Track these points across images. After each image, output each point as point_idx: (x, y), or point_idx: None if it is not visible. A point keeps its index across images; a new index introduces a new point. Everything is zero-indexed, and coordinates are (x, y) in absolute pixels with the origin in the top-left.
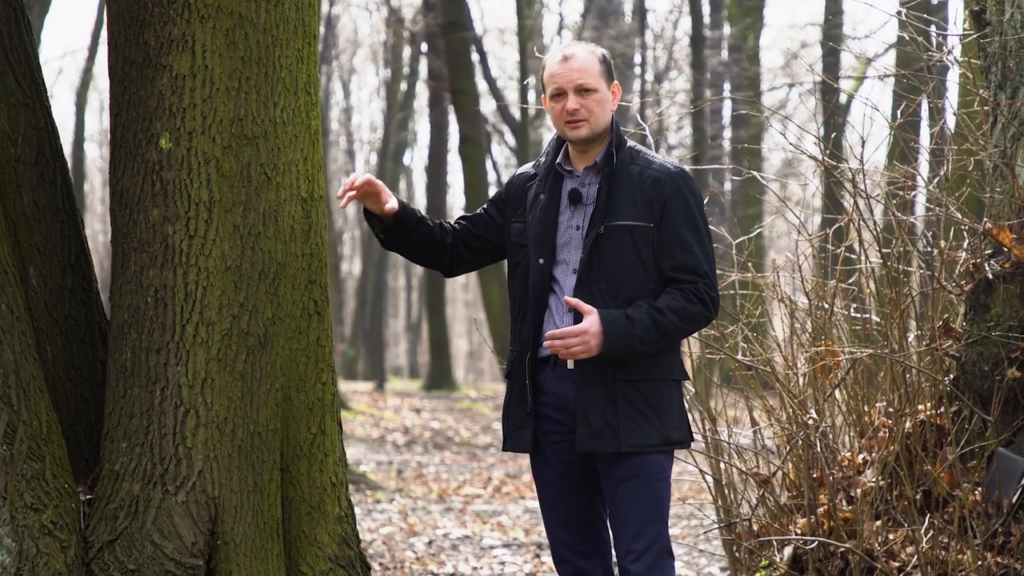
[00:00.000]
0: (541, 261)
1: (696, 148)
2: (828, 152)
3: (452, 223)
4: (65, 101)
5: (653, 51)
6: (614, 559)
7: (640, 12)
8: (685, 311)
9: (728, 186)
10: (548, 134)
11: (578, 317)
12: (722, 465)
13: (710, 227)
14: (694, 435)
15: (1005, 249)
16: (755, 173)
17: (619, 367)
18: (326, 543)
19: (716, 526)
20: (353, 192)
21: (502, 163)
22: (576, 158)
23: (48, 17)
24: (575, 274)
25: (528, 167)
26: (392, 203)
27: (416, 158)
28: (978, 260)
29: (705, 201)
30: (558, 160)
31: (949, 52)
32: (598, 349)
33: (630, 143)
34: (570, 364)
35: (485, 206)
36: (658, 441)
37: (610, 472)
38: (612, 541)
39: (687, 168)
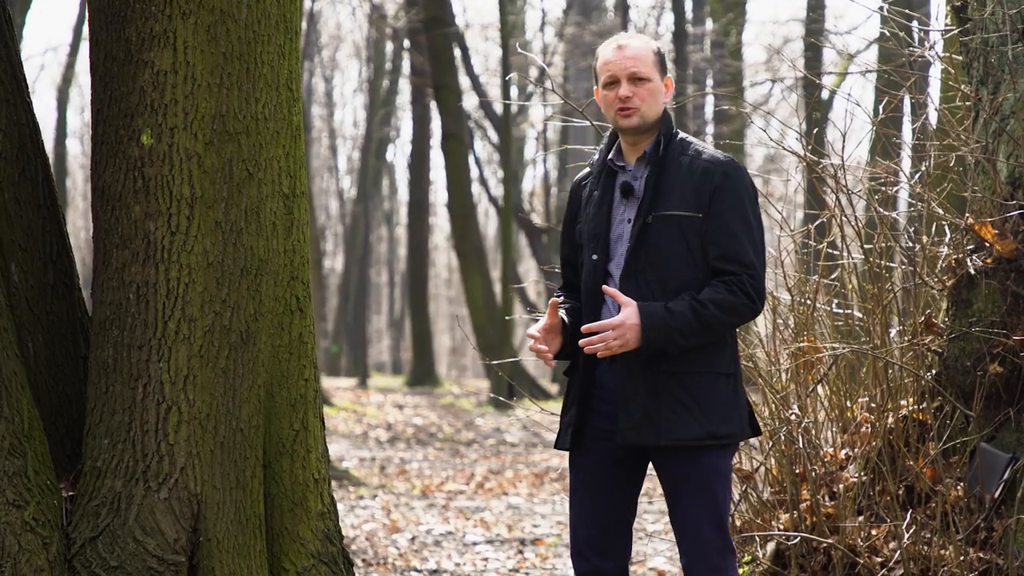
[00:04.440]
0: (595, 257)
1: None
2: (810, 148)
3: (559, 290)
4: (47, 97)
5: None
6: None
7: (622, 7)
8: (728, 304)
9: None
10: (531, 131)
11: None
12: None
13: (761, 218)
14: (759, 427)
15: (987, 244)
16: None
17: (664, 360)
18: (309, 539)
19: None
20: (545, 347)
21: (485, 159)
22: (628, 152)
23: (30, 13)
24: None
25: (585, 170)
26: (556, 318)
27: (399, 154)
28: (960, 256)
29: None
30: (610, 156)
31: (931, 48)
32: (636, 343)
33: (682, 134)
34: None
35: (562, 239)
36: (699, 434)
37: (665, 470)
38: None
39: (738, 161)
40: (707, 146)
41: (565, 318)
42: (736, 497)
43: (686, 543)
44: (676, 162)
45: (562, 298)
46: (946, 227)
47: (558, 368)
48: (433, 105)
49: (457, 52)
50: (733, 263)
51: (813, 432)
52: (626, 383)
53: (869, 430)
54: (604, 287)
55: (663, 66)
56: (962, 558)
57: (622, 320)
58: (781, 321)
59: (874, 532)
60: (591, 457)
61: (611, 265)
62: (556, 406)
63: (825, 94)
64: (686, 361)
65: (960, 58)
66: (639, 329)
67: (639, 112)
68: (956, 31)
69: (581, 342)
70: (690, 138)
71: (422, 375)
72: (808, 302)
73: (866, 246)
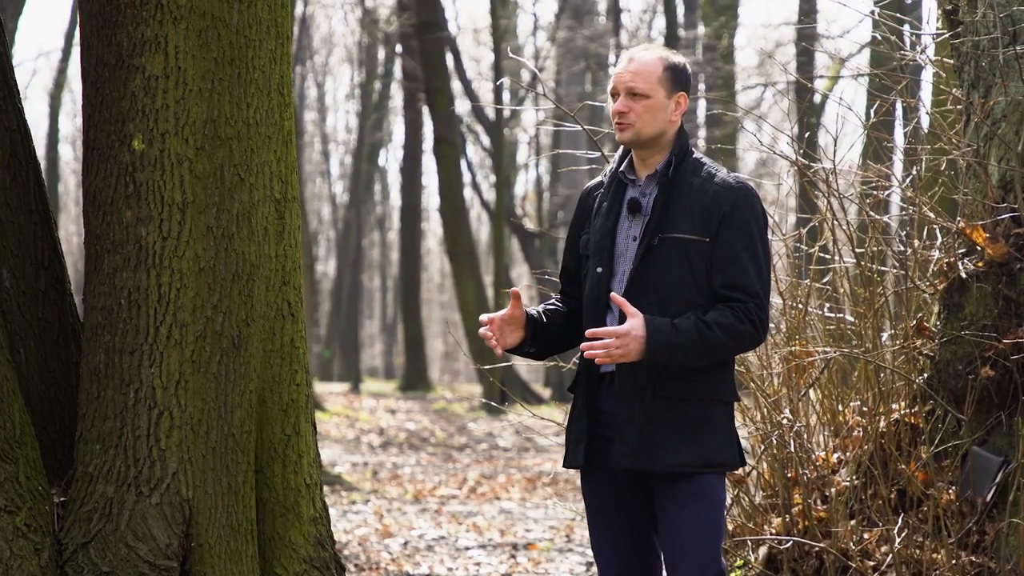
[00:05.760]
0: (599, 270)
1: None
2: (802, 152)
3: (556, 294)
4: (39, 102)
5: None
6: None
7: (614, 12)
8: (734, 329)
9: None
10: (523, 135)
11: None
12: None
13: (769, 247)
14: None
15: (978, 248)
16: None
17: (661, 384)
18: (300, 544)
19: None
20: (491, 334)
21: (477, 163)
22: (639, 166)
23: (22, 18)
24: (624, 285)
25: (596, 179)
26: (518, 310)
27: (391, 159)
28: (952, 259)
29: None
30: (622, 168)
31: (922, 51)
32: (638, 355)
33: (697, 155)
34: (605, 368)
35: (566, 245)
36: (694, 462)
37: (662, 493)
38: (663, 564)
39: (752, 185)
40: (720, 168)
41: (534, 314)
42: (728, 501)
43: (675, 566)
44: (687, 183)
45: (551, 302)
46: (937, 231)
47: (551, 372)
48: (425, 110)
49: (449, 56)
50: (738, 291)
51: (805, 436)
52: (622, 406)
53: (861, 434)
54: (612, 295)
55: (676, 82)
56: (954, 562)
57: (628, 330)
58: (773, 325)
59: (866, 536)
60: (601, 484)
61: (613, 280)
62: (548, 411)
63: (817, 98)
64: (684, 386)
65: (951, 62)
66: (643, 341)
67: (633, 128)
68: (947, 35)
69: (582, 345)
70: (704, 159)
71: (415, 380)
72: (800, 306)
73: (858, 250)
